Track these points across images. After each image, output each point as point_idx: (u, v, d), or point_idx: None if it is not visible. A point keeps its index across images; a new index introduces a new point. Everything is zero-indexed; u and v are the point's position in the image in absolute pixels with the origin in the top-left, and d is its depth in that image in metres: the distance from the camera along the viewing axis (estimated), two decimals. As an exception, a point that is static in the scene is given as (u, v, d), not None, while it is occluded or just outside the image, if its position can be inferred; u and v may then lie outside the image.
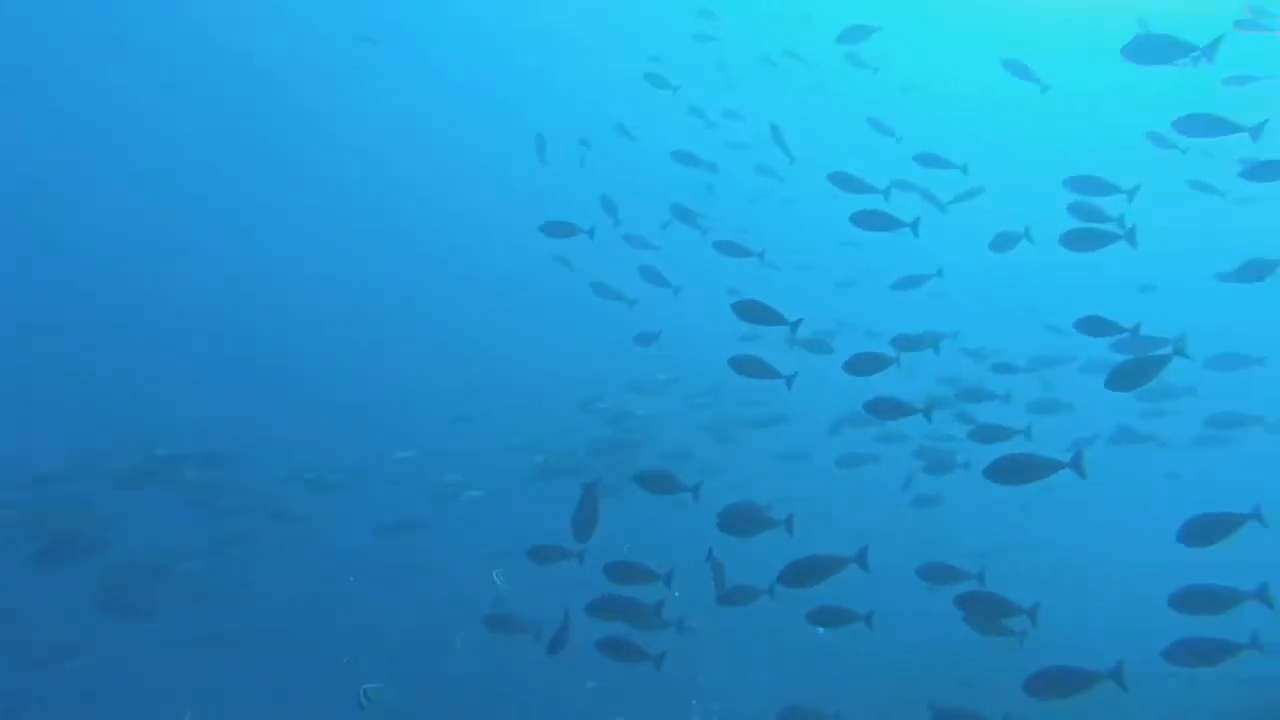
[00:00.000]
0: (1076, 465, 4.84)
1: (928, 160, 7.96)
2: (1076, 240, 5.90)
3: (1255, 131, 5.66)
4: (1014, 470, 4.88)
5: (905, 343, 6.79)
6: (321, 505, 11.43)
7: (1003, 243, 7.26)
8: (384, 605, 11.25)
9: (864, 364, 5.96)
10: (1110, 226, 6.15)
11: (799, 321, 5.87)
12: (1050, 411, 9.21)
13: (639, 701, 10.59)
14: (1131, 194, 6.17)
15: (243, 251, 24.37)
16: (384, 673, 9.94)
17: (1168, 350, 4.97)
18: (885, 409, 5.71)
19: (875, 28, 9.23)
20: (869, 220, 6.09)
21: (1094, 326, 5.43)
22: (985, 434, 6.27)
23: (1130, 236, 5.75)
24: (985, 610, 5.07)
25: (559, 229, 7.71)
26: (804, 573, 4.91)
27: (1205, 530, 4.41)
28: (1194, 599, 4.47)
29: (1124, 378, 4.97)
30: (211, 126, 25.15)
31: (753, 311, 5.87)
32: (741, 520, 5.44)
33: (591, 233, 7.84)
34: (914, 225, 6.20)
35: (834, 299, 13.27)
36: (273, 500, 11.19)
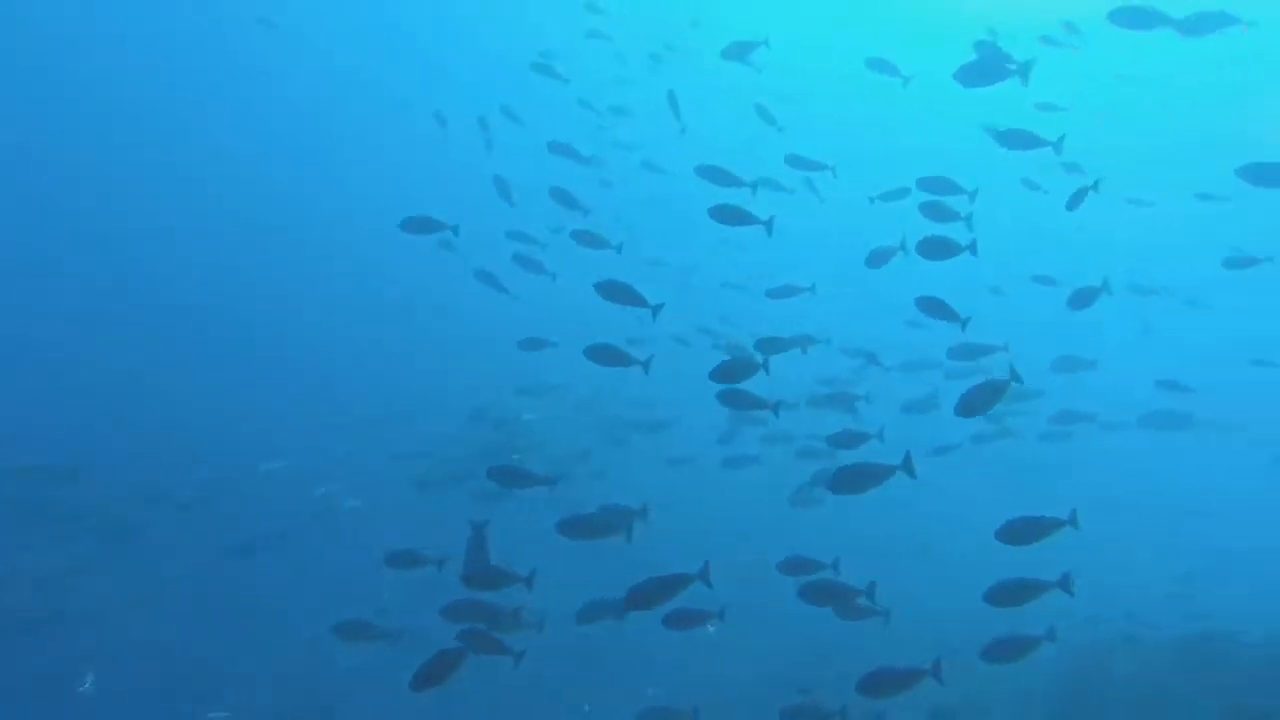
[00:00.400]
0: (907, 468, 4.95)
1: (796, 161, 8.06)
2: (929, 249, 6.13)
3: (1057, 145, 6.39)
4: (851, 480, 4.97)
5: (772, 346, 6.78)
6: (177, 524, 10.51)
7: (878, 258, 7.37)
8: (249, 627, 10.48)
9: (731, 370, 5.87)
10: (960, 226, 6.44)
11: (660, 305, 5.95)
12: (921, 410, 9.53)
13: (529, 707, 10.36)
14: (973, 195, 6.45)
15: (102, 249, 22.60)
16: (268, 690, 9.32)
17: (1006, 377, 5.27)
18: (738, 401, 5.68)
19: (759, 42, 9.38)
20: (725, 215, 6.08)
21: (933, 308, 5.82)
22: (841, 440, 6.40)
23: (973, 248, 6.08)
24: (828, 596, 5.33)
25: (420, 225, 7.35)
26: (648, 595, 4.87)
27: (1022, 532, 4.70)
28: (1005, 593, 4.76)
29: (971, 405, 5.22)
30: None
31: (615, 292, 5.88)
32: (584, 526, 5.30)
33: (456, 230, 7.52)
34: (768, 223, 6.22)
35: (718, 300, 13.41)
36: (118, 520, 10.19)
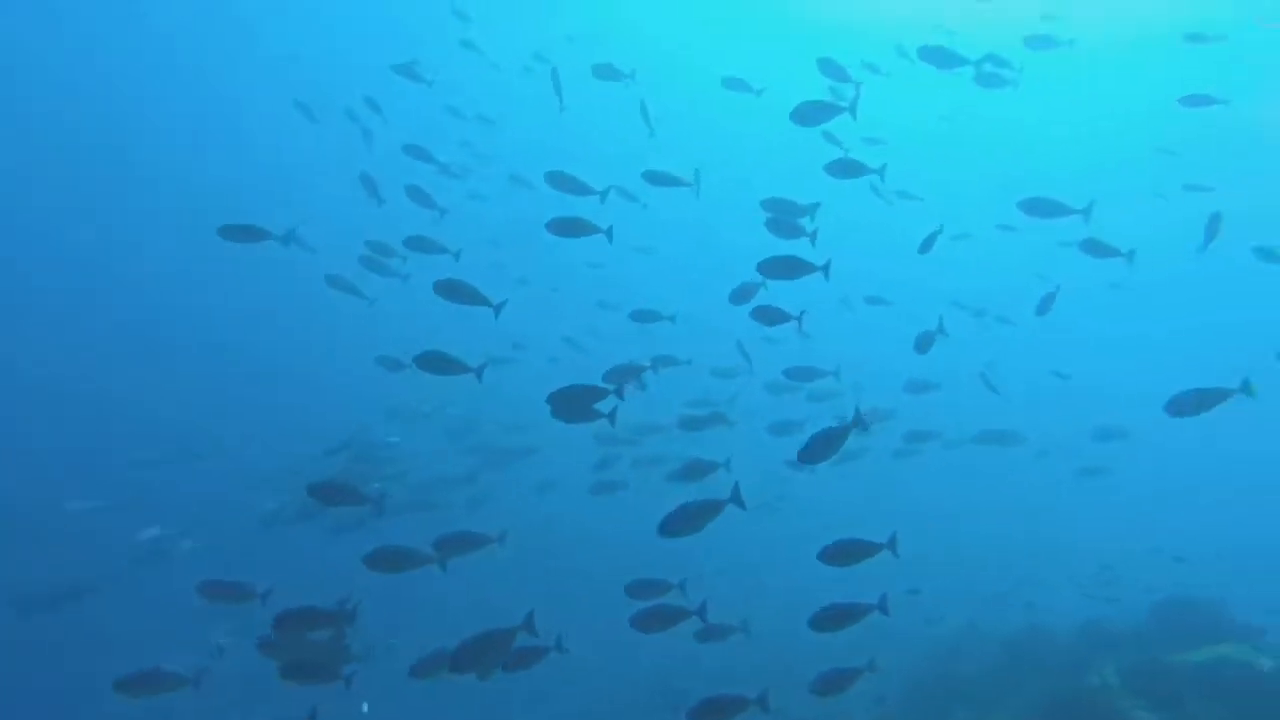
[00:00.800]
0: (736, 500, 4.86)
1: (654, 178, 7.96)
2: (772, 269, 6.13)
3: (881, 172, 6.88)
4: (683, 521, 4.77)
5: (619, 374, 6.58)
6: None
7: (742, 294, 7.36)
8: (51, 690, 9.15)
9: (573, 398, 5.52)
10: (803, 242, 6.52)
11: (503, 303, 5.86)
12: (786, 433, 9.60)
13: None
14: (813, 210, 6.54)
15: None
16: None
17: (848, 423, 5.19)
18: (571, 414, 5.38)
19: (627, 74, 9.50)
20: (564, 227, 5.86)
21: (766, 316, 5.98)
22: (687, 472, 6.27)
23: (826, 270, 6.16)
24: (659, 621, 5.22)
25: (241, 233, 6.67)
26: (476, 652, 4.62)
27: (842, 555, 4.76)
28: (828, 618, 4.78)
29: (814, 451, 5.02)
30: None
31: (455, 291, 5.67)
32: (388, 559, 4.87)
33: (287, 238, 6.89)
34: (608, 232, 6.05)
35: (591, 319, 13.22)
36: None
